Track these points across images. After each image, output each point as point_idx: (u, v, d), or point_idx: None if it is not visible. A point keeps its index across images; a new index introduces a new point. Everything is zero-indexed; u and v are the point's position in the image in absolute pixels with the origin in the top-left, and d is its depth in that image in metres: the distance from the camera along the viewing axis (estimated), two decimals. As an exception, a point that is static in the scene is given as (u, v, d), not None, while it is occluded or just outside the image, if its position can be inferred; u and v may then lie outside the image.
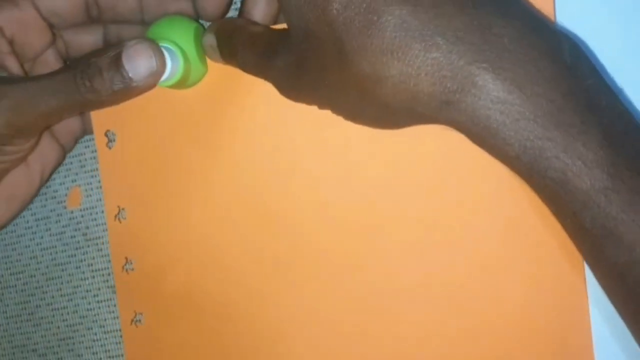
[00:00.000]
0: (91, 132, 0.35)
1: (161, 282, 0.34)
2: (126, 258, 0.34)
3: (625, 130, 0.23)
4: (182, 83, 0.31)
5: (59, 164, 0.36)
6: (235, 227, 0.33)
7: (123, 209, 0.34)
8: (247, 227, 0.32)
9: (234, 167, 0.32)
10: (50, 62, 0.34)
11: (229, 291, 0.33)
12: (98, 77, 0.29)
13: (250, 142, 0.32)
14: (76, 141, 0.36)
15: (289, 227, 0.32)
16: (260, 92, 0.31)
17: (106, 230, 0.37)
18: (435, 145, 0.30)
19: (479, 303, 0.30)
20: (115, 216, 0.34)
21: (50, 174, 0.36)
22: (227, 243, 0.33)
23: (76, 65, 0.30)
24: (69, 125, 0.35)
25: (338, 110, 0.27)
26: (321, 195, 0.32)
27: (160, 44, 0.30)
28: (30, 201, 0.36)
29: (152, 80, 0.29)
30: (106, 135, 0.33)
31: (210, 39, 0.30)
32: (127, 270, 0.34)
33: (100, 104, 0.30)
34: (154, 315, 0.34)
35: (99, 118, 0.34)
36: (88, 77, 0.29)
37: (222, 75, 0.32)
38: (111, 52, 0.29)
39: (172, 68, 0.30)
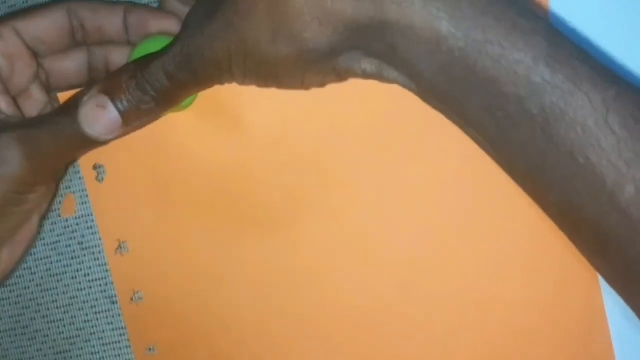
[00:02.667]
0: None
1: (173, 310, 0.33)
2: (133, 290, 0.34)
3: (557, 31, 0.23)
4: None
5: (48, 212, 0.35)
6: (239, 246, 0.32)
7: (124, 242, 0.33)
8: (250, 245, 0.32)
9: (231, 185, 0.32)
10: (34, 93, 0.32)
11: (240, 313, 0.33)
12: (54, 131, 0.28)
13: (244, 160, 0.32)
14: (67, 168, 0.35)
15: (292, 242, 0.32)
16: (249, 109, 0.31)
17: (102, 238, 0.36)
18: (438, 146, 0.30)
19: (491, 306, 0.30)
20: (116, 250, 0.33)
21: (46, 214, 0.35)
22: (233, 262, 0.32)
23: (70, 108, 0.28)
24: None
25: (251, 50, 0.25)
26: (323, 211, 0.31)
27: None
28: (32, 246, 0.35)
29: (118, 133, 0.28)
30: (95, 169, 0.33)
31: (96, 98, 0.27)
32: (135, 302, 0.34)
33: (105, 141, 0.29)
34: (167, 344, 0.34)
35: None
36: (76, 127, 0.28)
37: (210, 95, 0.31)
38: (73, 109, 0.28)
39: None
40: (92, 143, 0.28)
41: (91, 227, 0.36)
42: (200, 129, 0.32)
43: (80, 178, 0.36)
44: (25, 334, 0.38)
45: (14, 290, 0.38)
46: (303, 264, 0.32)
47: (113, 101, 0.27)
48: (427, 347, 0.31)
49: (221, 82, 0.27)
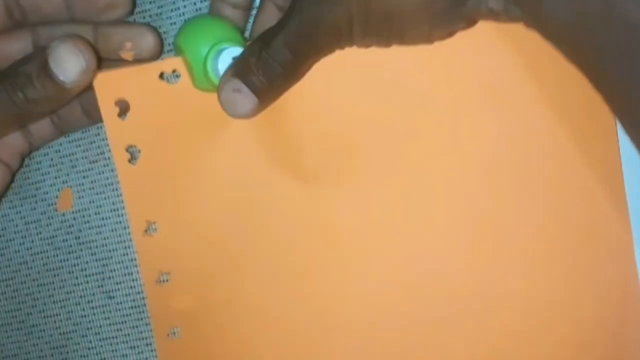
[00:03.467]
0: (37, 148, 0.35)
1: (198, 292, 0.33)
2: (160, 271, 0.33)
3: None
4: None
5: (7, 184, 0.35)
6: (271, 229, 0.32)
7: (153, 222, 0.33)
8: (283, 227, 0.32)
9: (268, 169, 0.32)
10: None
11: (268, 296, 0.32)
12: (30, 87, 0.28)
13: (276, 147, 0.31)
14: (22, 158, 0.35)
15: (320, 226, 0.32)
16: (286, 100, 0.30)
17: (100, 233, 0.36)
18: (439, 145, 0.30)
19: (499, 305, 0.30)
20: (145, 231, 0.33)
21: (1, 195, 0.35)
22: (263, 246, 0.32)
23: (4, 78, 0.28)
24: (8, 142, 0.33)
25: (376, 9, 0.24)
26: (349, 197, 0.31)
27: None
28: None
29: (86, 78, 0.28)
30: (128, 151, 0.32)
31: (231, 83, 0.28)
32: (161, 282, 0.33)
33: (38, 112, 0.29)
34: (192, 327, 0.33)
35: (117, 133, 0.32)
36: (19, 87, 0.28)
37: None
38: (37, 57, 0.28)
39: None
40: (25, 114, 0.29)
41: (88, 222, 0.36)
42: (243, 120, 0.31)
43: (77, 172, 0.36)
44: (21, 328, 0.38)
45: (10, 285, 0.38)
46: (330, 252, 0.32)
47: (246, 83, 0.27)
48: (433, 344, 0.31)
49: (341, 47, 0.27)
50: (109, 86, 0.31)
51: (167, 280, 0.33)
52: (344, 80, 0.30)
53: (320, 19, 0.25)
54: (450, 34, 0.26)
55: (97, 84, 0.31)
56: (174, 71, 0.31)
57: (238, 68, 0.28)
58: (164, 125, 0.32)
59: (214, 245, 0.33)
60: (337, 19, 0.25)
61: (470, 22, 0.25)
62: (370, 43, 0.26)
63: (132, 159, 0.32)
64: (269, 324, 0.33)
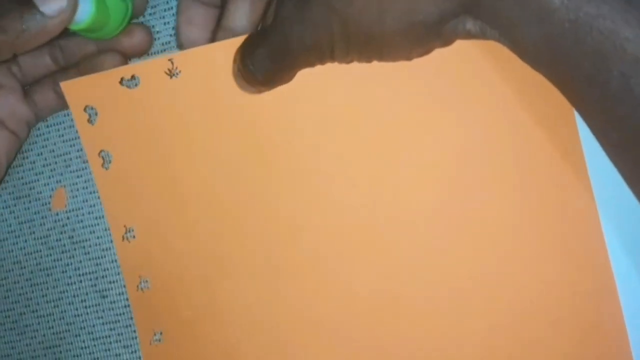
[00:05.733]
0: (43, 118, 0.35)
1: (180, 297, 0.33)
2: (140, 277, 0.33)
3: None
4: (100, 26, 0.30)
5: (15, 151, 0.35)
6: (248, 230, 0.32)
7: (131, 228, 0.33)
8: (257, 233, 0.32)
9: (238, 168, 0.32)
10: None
11: (249, 298, 0.33)
12: (7, 15, 0.27)
13: (251, 148, 0.32)
14: (29, 128, 0.35)
15: (299, 230, 0.32)
16: (257, 100, 0.31)
17: (93, 232, 0.36)
18: (438, 143, 0.30)
19: (497, 303, 0.30)
20: (123, 236, 0.33)
21: (8, 163, 0.34)
22: (240, 249, 0.32)
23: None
24: (13, 110, 0.34)
25: (356, 31, 0.25)
26: (328, 196, 0.31)
27: None
28: None
29: (64, 17, 0.28)
30: (100, 156, 0.33)
31: (235, 66, 0.30)
32: (142, 289, 0.33)
33: (10, 47, 0.28)
34: (174, 332, 0.33)
35: (90, 139, 0.33)
36: None
37: (214, 76, 0.31)
38: None
39: (84, 6, 0.29)
40: (2, 47, 0.28)
41: (82, 221, 0.36)
42: (207, 113, 0.32)
43: (70, 172, 0.36)
44: (14, 328, 0.38)
45: (3, 285, 0.38)
46: (309, 252, 0.32)
47: (240, 74, 0.29)
48: (432, 340, 0.31)
49: (322, 63, 0.27)
50: (76, 93, 0.32)
51: (147, 287, 0.33)
52: (334, 78, 0.30)
53: (302, 38, 0.26)
54: (428, 52, 0.26)
55: (65, 91, 0.32)
56: (132, 77, 0.32)
57: (237, 56, 0.29)
58: (130, 130, 0.32)
59: (190, 249, 0.33)
60: (319, 39, 0.26)
61: (448, 42, 0.26)
62: (351, 60, 0.27)
63: (105, 163, 0.33)
64: (250, 326, 0.33)
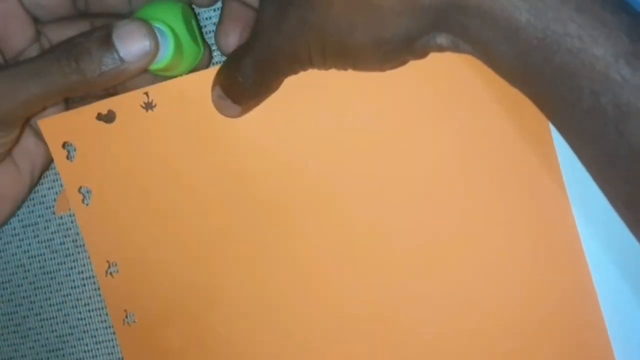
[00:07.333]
0: None
1: (167, 329, 0.33)
2: (125, 311, 0.33)
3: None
4: (175, 65, 0.30)
5: (48, 164, 0.35)
6: (230, 265, 0.32)
7: (114, 263, 0.33)
8: (241, 264, 0.32)
9: (219, 198, 0.32)
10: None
11: (236, 328, 0.32)
12: (86, 57, 0.28)
13: (233, 178, 0.31)
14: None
15: (286, 265, 0.31)
16: (237, 123, 0.31)
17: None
18: (436, 143, 0.30)
19: (486, 301, 0.30)
20: (106, 272, 0.33)
21: (40, 175, 0.35)
22: (225, 281, 0.32)
23: (60, 47, 0.28)
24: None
25: (330, 42, 0.25)
26: (315, 221, 0.31)
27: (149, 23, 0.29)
28: (22, 202, 0.35)
29: (145, 62, 0.28)
30: (80, 192, 0.33)
31: (216, 90, 0.29)
32: (129, 323, 0.33)
33: (86, 87, 0.29)
34: None
35: (69, 175, 0.33)
36: (74, 57, 0.28)
37: (190, 107, 0.31)
38: (100, 31, 0.28)
39: (163, 49, 0.29)
40: (71, 86, 0.28)
41: (85, 225, 0.36)
42: (185, 145, 0.32)
43: (75, 175, 0.36)
44: (17, 332, 0.38)
45: (6, 288, 0.38)
46: (296, 286, 0.32)
47: (225, 93, 0.29)
48: (425, 343, 0.31)
49: (304, 69, 0.28)
50: (54, 130, 0.32)
51: (134, 321, 0.33)
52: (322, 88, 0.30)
53: (281, 48, 0.27)
54: (402, 64, 0.27)
55: (43, 129, 0.32)
56: (109, 112, 0.31)
57: (219, 78, 0.29)
58: (109, 164, 0.32)
59: (175, 281, 0.33)
60: (296, 49, 0.26)
61: (422, 56, 0.26)
62: (328, 68, 0.27)
63: (85, 199, 0.33)
64: (239, 356, 0.33)
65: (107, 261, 0.33)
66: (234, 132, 0.31)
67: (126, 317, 0.33)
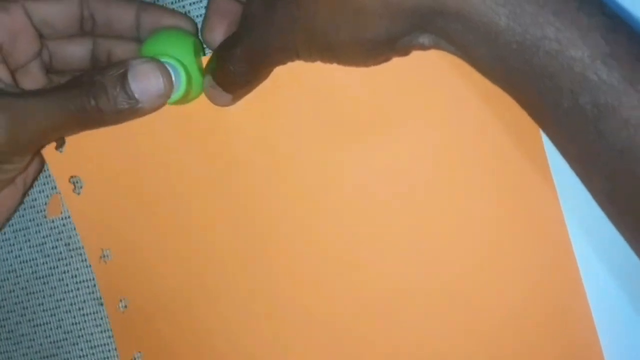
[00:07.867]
0: None
1: (158, 317, 0.33)
2: (119, 298, 0.33)
3: (617, 14, 0.23)
4: (184, 99, 0.31)
5: (40, 170, 0.35)
6: (224, 251, 0.32)
7: (107, 249, 0.33)
8: (235, 250, 0.32)
9: (212, 186, 0.32)
10: (34, 72, 0.33)
11: (226, 318, 0.32)
12: (103, 96, 0.28)
13: (226, 164, 0.32)
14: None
15: (281, 244, 0.31)
16: (230, 114, 0.31)
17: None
18: (433, 143, 0.30)
19: (477, 301, 0.30)
20: (100, 258, 0.33)
21: (33, 181, 0.35)
22: (218, 267, 0.32)
23: (80, 83, 0.29)
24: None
25: (315, 39, 0.26)
26: (314, 213, 0.31)
27: (162, 60, 0.29)
28: (16, 210, 0.35)
29: (160, 102, 0.29)
30: (70, 182, 0.33)
31: (207, 79, 0.30)
32: (121, 309, 0.33)
33: (104, 123, 0.29)
34: (153, 352, 0.33)
35: (58, 165, 0.33)
36: (92, 95, 0.28)
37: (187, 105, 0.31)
38: (116, 70, 0.28)
39: (176, 86, 0.29)
40: (90, 121, 0.29)
41: (78, 228, 0.36)
42: (178, 134, 0.32)
43: (66, 178, 0.36)
44: (10, 338, 0.37)
45: (-2, 294, 0.37)
46: (292, 267, 0.31)
47: (217, 82, 0.29)
48: (428, 346, 0.31)
49: (292, 61, 0.28)
50: None
51: (127, 307, 0.33)
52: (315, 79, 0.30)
53: (270, 41, 0.27)
54: (386, 61, 0.27)
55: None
56: None
57: (210, 67, 0.30)
58: (98, 154, 0.32)
59: (168, 268, 0.33)
60: (284, 43, 0.27)
61: (404, 54, 0.27)
62: (315, 61, 0.28)
63: (76, 188, 0.33)
64: (230, 345, 0.33)
65: (101, 248, 0.33)
66: (225, 122, 0.31)
67: (119, 303, 0.33)
